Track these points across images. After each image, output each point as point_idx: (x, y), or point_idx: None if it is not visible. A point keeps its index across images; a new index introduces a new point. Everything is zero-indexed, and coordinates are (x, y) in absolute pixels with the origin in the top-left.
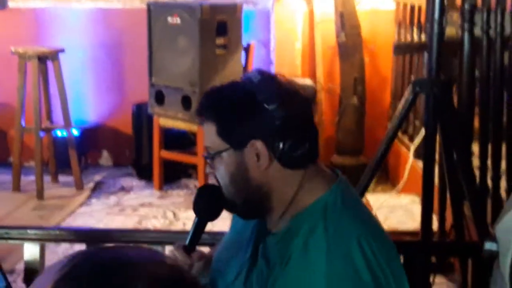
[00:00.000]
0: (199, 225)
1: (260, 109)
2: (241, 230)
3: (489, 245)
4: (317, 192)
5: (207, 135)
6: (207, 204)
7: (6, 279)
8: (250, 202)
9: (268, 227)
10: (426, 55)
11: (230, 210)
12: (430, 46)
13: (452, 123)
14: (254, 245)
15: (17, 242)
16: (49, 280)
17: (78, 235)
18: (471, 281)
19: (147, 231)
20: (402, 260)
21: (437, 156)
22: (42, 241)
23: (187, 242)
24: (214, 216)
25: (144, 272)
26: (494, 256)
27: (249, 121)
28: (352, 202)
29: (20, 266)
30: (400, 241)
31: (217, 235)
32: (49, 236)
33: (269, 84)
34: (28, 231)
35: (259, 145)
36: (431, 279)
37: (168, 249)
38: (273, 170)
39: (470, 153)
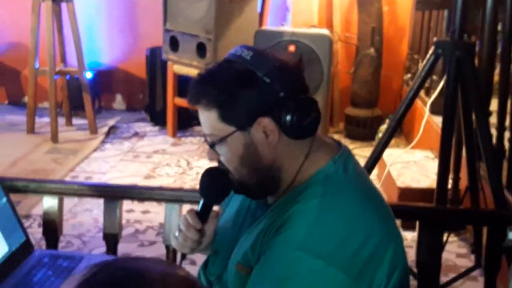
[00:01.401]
0: (206, 207)
1: (262, 85)
2: (239, 206)
3: None
4: (321, 162)
5: (207, 122)
6: (212, 188)
7: (25, 233)
8: (263, 181)
9: (268, 198)
10: (447, 13)
11: (240, 192)
12: (454, 5)
13: (473, 86)
14: (252, 221)
15: (36, 195)
16: (71, 286)
17: (96, 190)
18: (484, 247)
19: (164, 188)
20: (417, 225)
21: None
22: (61, 194)
23: (200, 211)
24: (221, 198)
25: (157, 284)
26: None
27: (252, 99)
28: (353, 173)
29: (36, 211)
30: (414, 207)
31: None
32: (68, 190)
33: (264, 58)
34: (47, 185)
35: (266, 121)
36: (444, 239)
37: (183, 212)
38: (282, 144)
39: (488, 115)
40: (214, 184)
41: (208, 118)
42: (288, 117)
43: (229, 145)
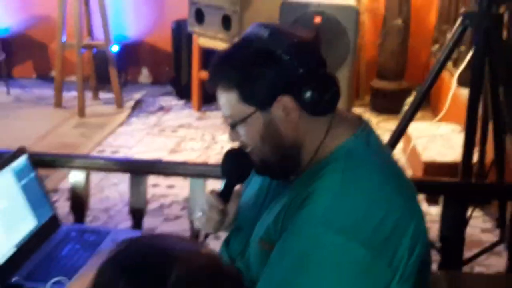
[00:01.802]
0: (228, 187)
1: (280, 62)
2: (260, 185)
3: None
4: (342, 137)
5: (227, 104)
6: (234, 168)
7: (52, 208)
8: (285, 159)
9: (291, 178)
10: None
11: (262, 172)
12: None
13: (501, 58)
14: (271, 194)
15: (64, 170)
16: (98, 262)
17: (122, 165)
18: (509, 222)
19: (188, 163)
20: (442, 200)
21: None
22: (87, 169)
23: (224, 191)
24: (243, 178)
25: (181, 261)
26: None
27: (271, 77)
28: (375, 148)
29: (64, 186)
30: (439, 182)
31: None
32: (95, 165)
33: (281, 35)
34: (75, 160)
35: (286, 100)
36: (469, 213)
37: (207, 190)
38: (303, 121)
39: None
40: (236, 164)
41: (227, 99)
42: (308, 94)
43: (250, 125)
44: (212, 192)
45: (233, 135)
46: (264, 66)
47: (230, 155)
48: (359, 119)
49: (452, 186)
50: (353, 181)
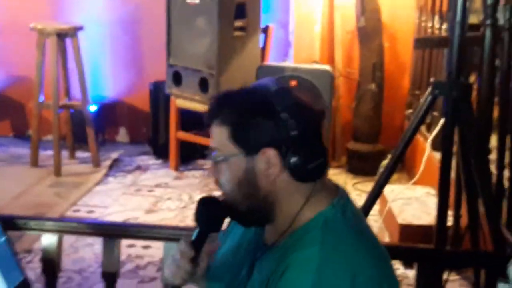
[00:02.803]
0: (201, 235)
1: (277, 118)
2: (238, 241)
3: (502, 286)
4: (320, 206)
5: (217, 138)
6: (207, 215)
7: (23, 273)
8: (254, 210)
9: (266, 237)
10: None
11: (231, 217)
12: (451, 47)
13: (470, 126)
14: (251, 261)
15: (35, 232)
16: None
17: (95, 228)
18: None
19: (164, 227)
20: (416, 267)
21: (455, 148)
22: (60, 232)
23: (196, 240)
24: (215, 227)
25: None
26: None
27: (265, 128)
28: (351, 218)
29: (37, 246)
30: (412, 248)
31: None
32: (67, 228)
33: (287, 95)
34: (46, 222)
35: (272, 153)
36: (445, 277)
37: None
38: (282, 180)
39: (486, 156)
40: (209, 211)
41: (219, 134)
42: (294, 158)
43: (231, 165)
44: (184, 240)
45: (213, 171)
46: (260, 115)
47: (204, 203)
48: (336, 188)
49: (426, 252)
50: (332, 254)
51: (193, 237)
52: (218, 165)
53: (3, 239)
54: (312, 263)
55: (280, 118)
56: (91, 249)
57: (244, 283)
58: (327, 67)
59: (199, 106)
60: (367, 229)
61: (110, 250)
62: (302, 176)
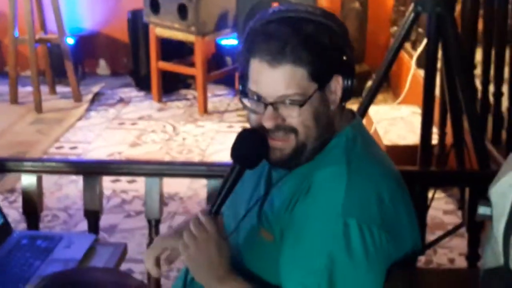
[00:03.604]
0: (238, 175)
1: (339, 38)
2: (248, 177)
3: (482, 210)
4: (340, 128)
5: (292, 80)
6: (251, 150)
7: (3, 215)
8: (323, 144)
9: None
10: None
11: (283, 161)
12: None
13: (454, 43)
14: (267, 183)
15: (14, 174)
16: None
17: (74, 166)
18: (467, 207)
19: (143, 162)
20: None
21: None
22: (38, 172)
23: (216, 202)
24: (256, 163)
25: None
26: (487, 220)
27: (335, 54)
28: (368, 138)
29: (20, 185)
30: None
31: None
32: (46, 168)
33: (330, 15)
34: (25, 163)
35: (339, 80)
36: (430, 195)
37: (198, 216)
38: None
39: (471, 71)
40: (250, 145)
41: (294, 75)
42: (349, 81)
43: (310, 103)
44: (203, 212)
45: (276, 118)
46: (328, 39)
47: (246, 135)
48: (351, 110)
49: (411, 174)
50: (359, 173)
51: (218, 200)
52: (291, 107)
53: None
54: (341, 180)
55: (340, 37)
56: (75, 185)
57: (261, 200)
58: None
59: (179, 34)
60: (379, 149)
61: (91, 188)
62: (346, 100)
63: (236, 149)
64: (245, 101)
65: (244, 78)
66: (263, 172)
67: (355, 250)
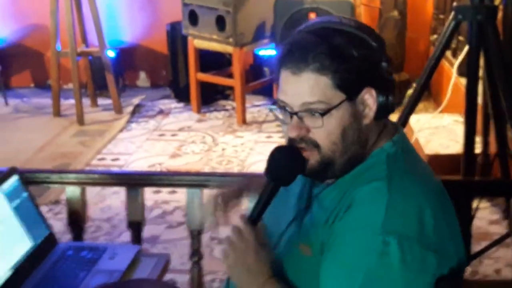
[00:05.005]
0: (273, 192)
1: (372, 49)
2: (292, 189)
3: None
4: (381, 142)
5: (315, 88)
6: (287, 167)
7: (48, 228)
8: (353, 159)
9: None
10: None
11: (313, 174)
12: None
13: (495, 51)
14: (308, 197)
15: (58, 186)
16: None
17: (117, 178)
18: None
19: (185, 173)
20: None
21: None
22: (82, 184)
23: (254, 211)
24: (291, 180)
25: None
26: None
27: (366, 64)
28: (411, 153)
29: (64, 196)
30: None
31: None
32: (89, 179)
33: (363, 25)
34: (69, 175)
35: (373, 93)
36: (475, 205)
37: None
38: (371, 121)
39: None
40: (286, 162)
41: (317, 83)
42: (383, 96)
43: (337, 114)
44: (243, 220)
45: (300, 128)
46: (361, 54)
47: (281, 151)
48: (393, 124)
49: (453, 184)
50: (400, 188)
51: (255, 211)
52: (315, 118)
53: (24, 195)
54: (382, 196)
55: (373, 48)
56: (117, 196)
57: (302, 214)
58: None
59: (217, 45)
60: (423, 164)
61: (133, 199)
62: (383, 115)
63: (270, 169)
64: (277, 112)
65: (278, 89)
66: (305, 185)
67: (394, 268)
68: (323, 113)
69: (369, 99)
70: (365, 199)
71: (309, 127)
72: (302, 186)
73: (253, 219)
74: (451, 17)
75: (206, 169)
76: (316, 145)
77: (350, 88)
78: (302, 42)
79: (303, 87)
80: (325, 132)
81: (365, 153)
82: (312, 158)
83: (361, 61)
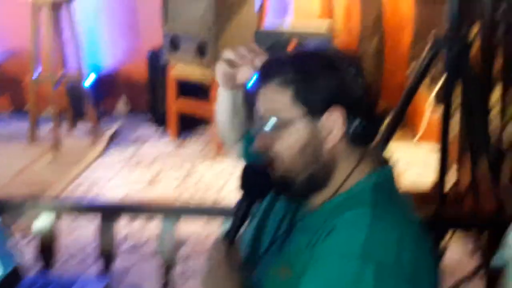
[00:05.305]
0: (247, 208)
1: (344, 75)
2: (276, 211)
3: (498, 259)
4: (366, 170)
5: (277, 102)
6: (257, 182)
7: (16, 259)
8: (313, 178)
9: (309, 206)
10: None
11: (279, 189)
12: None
13: (471, 81)
14: (290, 221)
15: (31, 213)
16: None
17: (92, 207)
18: (485, 249)
19: (162, 204)
20: None
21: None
22: (55, 212)
23: (230, 230)
24: (263, 196)
25: None
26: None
27: (334, 83)
28: (395, 184)
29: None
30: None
31: None
32: (62, 207)
33: (345, 53)
34: (41, 203)
35: (340, 112)
36: (448, 237)
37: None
38: (341, 144)
39: (486, 114)
40: (256, 178)
41: (279, 97)
42: (357, 120)
43: (295, 129)
44: (219, 242)
45: (265, 141)
46: (327, 71)
47: (251, 168)
48: (380, 154)
49: (427, 215)
50: (383, 217)
51: (229, 230)
52: (276, 132)
53: None
54: (364, 222)
55: (347, 74)
56: (89, 226)
57: (282, 238)
58: (325, 24)
59: (197, 71)
60: (405, 197)
61: (106, 229)
62: (360, 140)
63: (241, 184)
64: None
65: None
66: (289, 210)
67: None
68: (280, 125)
69: (336, 120)
70: (347, 223)
71: (273, 140)
72: (287, 208)
73: (229, 238)
74: (428, 46)
75: (184, 197)
76: (276, 157)
77: (311, 104)
78: (273, 59)
79: (266, 99)
80: (284, 145)
81: (335, 178)
82: (276, 171)
83: (327, 79)
